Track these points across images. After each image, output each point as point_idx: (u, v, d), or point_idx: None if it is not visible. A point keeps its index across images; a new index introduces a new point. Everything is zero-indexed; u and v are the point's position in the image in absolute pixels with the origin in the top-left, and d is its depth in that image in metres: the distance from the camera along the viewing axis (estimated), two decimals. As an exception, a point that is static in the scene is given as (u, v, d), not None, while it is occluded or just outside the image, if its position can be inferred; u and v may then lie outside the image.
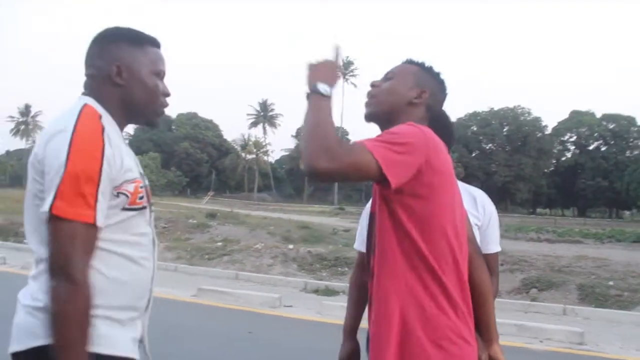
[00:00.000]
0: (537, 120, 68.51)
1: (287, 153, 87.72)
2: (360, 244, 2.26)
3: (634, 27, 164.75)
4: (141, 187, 1.52)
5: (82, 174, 1.35)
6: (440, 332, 1.52)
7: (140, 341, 1.57)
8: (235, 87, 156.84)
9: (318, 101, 1.52)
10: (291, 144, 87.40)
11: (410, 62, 1.81)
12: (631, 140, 68.87)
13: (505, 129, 68.84)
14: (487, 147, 70.58)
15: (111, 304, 1.46)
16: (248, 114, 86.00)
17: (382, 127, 1.72)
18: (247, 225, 17.25)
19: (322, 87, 1.52)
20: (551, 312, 7.86)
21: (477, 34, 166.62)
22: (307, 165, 1.41)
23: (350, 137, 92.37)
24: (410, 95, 1.72)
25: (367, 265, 1.72)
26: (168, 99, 1.65)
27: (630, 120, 68.21)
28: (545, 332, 6.48)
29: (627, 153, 67.82)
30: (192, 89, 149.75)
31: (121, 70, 1.54)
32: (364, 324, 1.81)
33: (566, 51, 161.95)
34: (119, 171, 1.45)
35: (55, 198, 1.33)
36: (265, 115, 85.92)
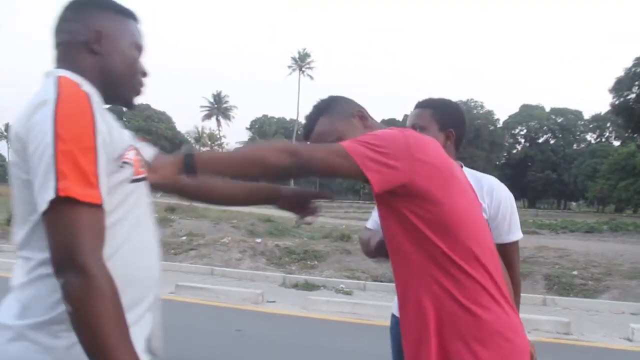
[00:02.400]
0: (490, 113, 69.89)
1: (241, 145, 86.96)
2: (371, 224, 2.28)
3: (582, 26, 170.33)
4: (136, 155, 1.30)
5: (76, 148, 1.10)
6: (480, 331, 1.44)
7: (149, 339, 1.32)
8: (189, 79, 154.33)
9: (210, 153, 1.53)
10: (245, 136, 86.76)
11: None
12: (578, 133, 71.35)
13: (458, 122, 69.99)
14: (442, 139, 71.70)
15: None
16: (202, 106, 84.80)
17: None
18: (209, 219, 16.91)
19: (187, 154, 1.43)
20: (531, 303, 7.89)
21: (432, 30, 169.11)
22: (269, 167, 1.39)
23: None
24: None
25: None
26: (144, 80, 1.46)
27: (578, 115, 70.55)
28: (532, 322, 6.47)
29: (574, 146, 70.26)
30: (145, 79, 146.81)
31: (101, 36, 1.33)
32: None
33: (517, 45, 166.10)
34: (117, 138, 1.22)
35: (57, 180, 1.07)
36: (219, 107, 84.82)
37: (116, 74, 1.35)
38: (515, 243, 2.14)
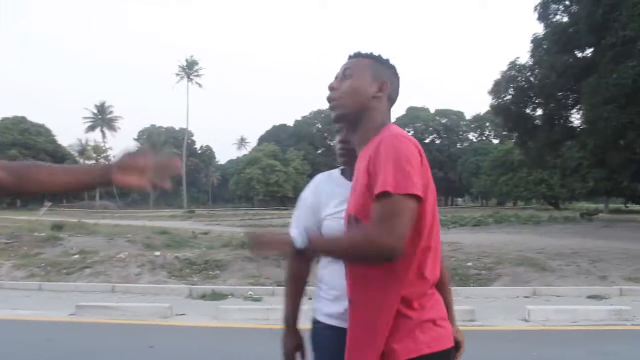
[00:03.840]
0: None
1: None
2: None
3: (463, 31, 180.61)
4: None
5: None
6: (421, 321, 1.55)
7: None
8: (70, 89, 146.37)
9: (317, 238, 1.58)
10: (133, 147, 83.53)
11: (361, 55, 1.76)
12: (461, 133, 75.48)
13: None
14: (332, 144, 73.09)
15: None
16: (84, 117, 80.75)
17: (351, 127, 1.72)
18: (102, 235, 16.12)
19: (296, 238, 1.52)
20: (435, 295, 8.24)
21: (312, 27, 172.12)
22: (384, 259, 1.44)
23: (195, 138, 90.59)
24: (372, 90, 1.69)
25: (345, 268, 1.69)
26: None
27: (460, 115, 74.76)
28: (439, 313, 6.76)
29: (458, 145, 74.22)
30: (19, 91, 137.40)
31: None
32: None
33: (407, 48, 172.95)
34: None
35: None
36: (103, 118, 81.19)
37: None
38: None
